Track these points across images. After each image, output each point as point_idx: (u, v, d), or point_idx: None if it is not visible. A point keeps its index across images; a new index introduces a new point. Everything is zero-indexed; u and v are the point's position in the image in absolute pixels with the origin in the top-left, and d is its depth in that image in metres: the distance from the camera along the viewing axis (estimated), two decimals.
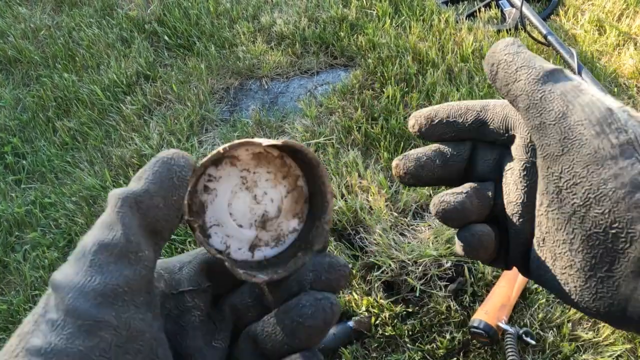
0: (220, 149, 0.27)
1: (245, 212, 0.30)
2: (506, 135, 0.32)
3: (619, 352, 1.11)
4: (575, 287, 0.27)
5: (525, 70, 0.29)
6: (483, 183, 0.34)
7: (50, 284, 0.22)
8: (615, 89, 1.67)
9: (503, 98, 0.31)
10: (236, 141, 0.28)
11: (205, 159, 0.28)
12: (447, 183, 0.35)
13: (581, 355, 1.12)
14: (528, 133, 0.31)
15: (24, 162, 1.86)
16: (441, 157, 0.34)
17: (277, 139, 0.30)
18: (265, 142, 0.28)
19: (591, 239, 0.25)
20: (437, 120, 0.34)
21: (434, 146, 0.35)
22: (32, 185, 1.80)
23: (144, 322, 0.22)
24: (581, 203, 0.26)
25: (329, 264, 0.28)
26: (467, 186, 0.33)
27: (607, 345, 1.13)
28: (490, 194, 0.33)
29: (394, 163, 0.35)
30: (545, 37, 1.76)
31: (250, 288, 0.29)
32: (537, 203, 0.29)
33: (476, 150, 0.34)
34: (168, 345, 0.24)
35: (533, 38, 1.78)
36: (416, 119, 0.35)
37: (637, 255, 0.24)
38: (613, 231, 0.24)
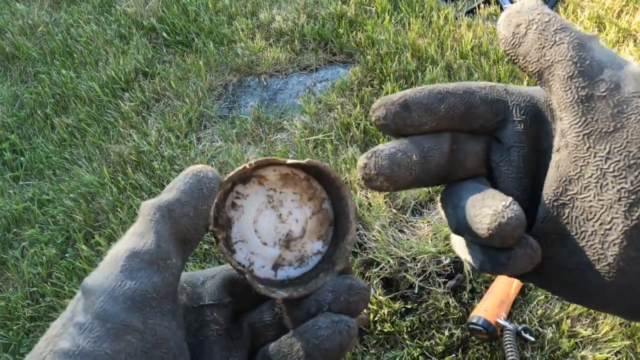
0: (247, 164, 0.28)
1: (270, 230, 0.30)
2: (495, 120, 0.28)
3: (617, 349, 1.11)
4: (607, 290, 0.24)
5: (567, 32, 0.25)
6: (476, 181, 0.29)
7: (82, 289, 0.22)
8: None
9: (522, 69, 0.26)
10: (261, 159, 0.29)
11: (231, 173, 0.28)
12: (426, 183, 0.29)
13: (580, 352, 1.12)
14: (546, 109, 0.27)
15: (22, 158, 1.86)
16: (419, 151, 0.28)
17: (303, 159, 0.29)
18: (289, 161, 0.28)
19: (636, 229, 0.22)
20: (414, 108, 0.28)
21: (406, 138, 0.29)
22: (30, 182, 1.79)
23: (168, 329, 0.22)
24: (631, 189, 0.22)
25: (348, 286, 0.27)
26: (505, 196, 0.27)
27: (606, 341, 1.13)
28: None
29: (361, 162, 0.27)
30: None
31: (270, 307, 0.29)
32: (555, 192, 0.25)
33: (458, 142, 0.29)
34: (189, 355, 0.24)
35: None
36: (386, 108, 0.28)
37: None
38: None
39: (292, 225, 0.31)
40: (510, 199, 0.24)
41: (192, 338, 0.27)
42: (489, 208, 0.24)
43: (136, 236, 0.23)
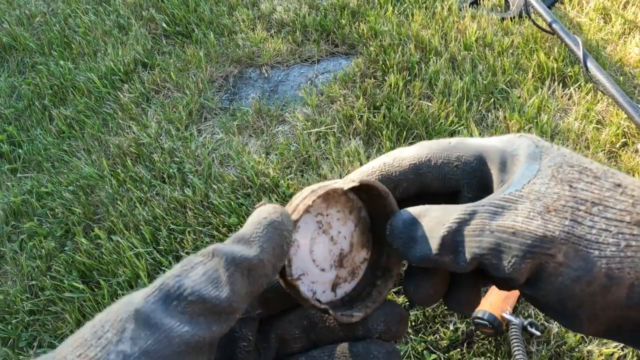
0: (309, 201, 0.27)
1: (326, 255, 0.30)
2: (448, 192, 0.30)
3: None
4: None
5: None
6: None
7: (132, 311, 0.21)
8: (621, 78, 1.64)
9: None
10: (320, 192, 0.28)
11: (295, 213, 0.28)
12: None
13: (586, 347, 1.11)
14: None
15: (20, 150, 1.83)
16: None
17: (349, 179, 0.31)
18: (346, 185, 0.28)
19: (604, 326, 0.25)
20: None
21: None
22: (28, 174, 1.77)
23: None
24: (565, 312, 0.25)
25: (400, 316, 0.29)
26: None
27: None
28: None
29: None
30: (550, 25, 1.73)
31: (299, 318, 0.29)
32: None
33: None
34: None
35: (537, 26, 1.75)
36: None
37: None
38: (612, 315, 0.24)
39: (342, 243, 0.31)
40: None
41: (221, 355, 0.27)
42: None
43: (209, 281, 0.22)
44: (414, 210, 0.28)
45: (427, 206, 0.28)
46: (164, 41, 2.11)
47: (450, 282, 0.29)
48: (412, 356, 1.14)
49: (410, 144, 1.56)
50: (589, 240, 0.23)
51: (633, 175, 1.40)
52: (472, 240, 0.24)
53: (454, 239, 0.25)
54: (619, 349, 1.10)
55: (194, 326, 0.21)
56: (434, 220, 0.26)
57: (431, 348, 1.15)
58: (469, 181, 0.28)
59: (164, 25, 2.14)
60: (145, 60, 2.02)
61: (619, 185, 0.24)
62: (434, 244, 0.25)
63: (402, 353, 1.15)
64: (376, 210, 0.31)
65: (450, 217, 0.25)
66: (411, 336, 1.17)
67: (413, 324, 1.18)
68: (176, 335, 0.20)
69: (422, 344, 1.15)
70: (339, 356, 0.27)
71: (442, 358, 1.13)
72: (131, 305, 0.21)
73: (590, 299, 0.23)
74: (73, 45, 2.17)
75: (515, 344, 1.06)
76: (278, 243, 0.24)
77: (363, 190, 0.30)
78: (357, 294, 0.31)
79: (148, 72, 1.98)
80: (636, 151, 1.46)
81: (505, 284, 0.26)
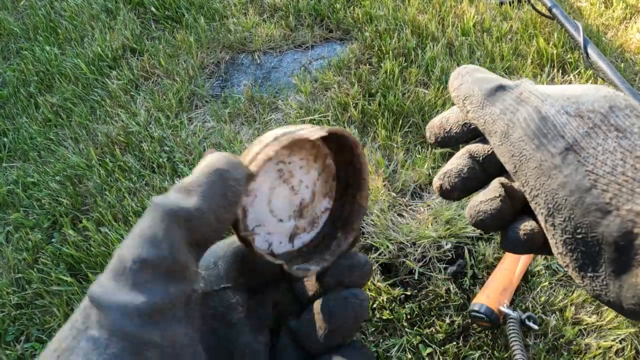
0: (271, 152, 0.25)
1: (285, 205, 0.29)
2: None
3: (622, 336, 1.09)
4: (581, 283, 0.28)
5: (468, 100, 0.30)
6: None
7: (90, 299, 0.21)
8: (622, 65, 1.61)
9: None
10: (284, 141, 0.25)
11: (254, 163, 0.25)
12: (487, 182, 0.34)
13: (584, 340, 1.09)
14: None
15: (5, 139, 1.78)
16: (478, 163, 0.32)
17: (318, 126, 0.28)
18: (313, 135, 0.26)
19: (567, 243, 0.25)
20: (450, 128, 0.34)
21: (464, 153, 0.33)
22: (13, 164, 1.72)
23: (186, 336, 0.22)
24: (546, 212, 0.26)
25: (349, 266, 0.28)
26: (497, 186, 0.31)
27: (610, 329, 1.10)
28: None
29: (436, 183, 0.33)
30: (549, 9, 1.68)
31: (289, 285, 0.29)
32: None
33: None
34: (205, 357, 0.24)
35: (537, 11, 1.71)
36: (431, 131, 0.35)
37: (610, 256, 0.23)
38: (579, 236, 0.25)
39: (303, 193, 0.29)
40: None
41: (221, 322, 0.27)
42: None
43: (147, 242, 0.21)
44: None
45: None
46: (153, 26, 2.05)
47: (512, 218, 0.31)
48: (407, 350, 1.12)
49: (406, 132, 1.53)
50: (588, 154, 0.24)
51: None
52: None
53: None
54: (617, 342, 1.08)
55: (149, 294, 0.20)
56: None
57: (427, 341, 1.13)
58: None
59: (153, 9, 2.07)
60: (134, 45, 1.96)
61: None
62: None
63: (397, 346, 1.12)
64: (343, 159, 0.30)
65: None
66: (406, 329, 1.14)
67: (408, 317, 1.16)
68: (133, 309, 0.20)
69: (418, 337, 1.13)
70: (316, 312, 0.28)
71: (437, 351, 1.11)
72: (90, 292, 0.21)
73: (572, 211, 0.24)
74: (59, 30, 2.10)
75: (513, 338, 1.04)
76: (222, 192, 0.23)
77: (331, 138, 0.28)
78: (315, 245, 0.30)
79: (137, 58, 1.93)
80: None
81: None
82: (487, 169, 0.32)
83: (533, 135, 0.26)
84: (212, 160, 0.24)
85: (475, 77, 0.31)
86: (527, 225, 0.29)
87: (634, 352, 1.07)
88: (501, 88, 0.29)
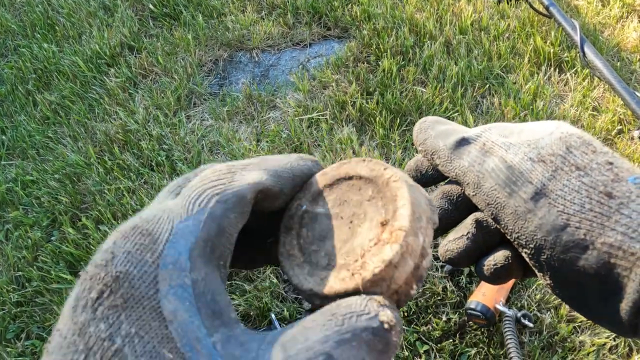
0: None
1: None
2: None
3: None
4: (578, 312, 0.29)
5: (436, 154, 0.32)
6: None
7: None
8: (618, 64, 1.61)
9: None
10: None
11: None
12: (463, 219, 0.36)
13: (578, 337, 1.10)
14: None
15: (4, 137, 1.78)
16: (451, 203, 0.34)
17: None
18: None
19: (554, 278, 0.27)
20: (426, 170, 0.35)
21: (438, 194, 0.34)
22: (12, 161, 1.72)
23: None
24: (529, 252, 0.28)
25: None
26: (468, 224, 0.32)
27: None
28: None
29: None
30: (547, 8, 1.69)
31: None
32: None
33: None
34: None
35: (534, 9, 1.71)
36: (409, 173, 0.36)
37: (595, 286, 0.25)
38: (564, 271, 0.26)
39: None
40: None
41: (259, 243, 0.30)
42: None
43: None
44: None
45: None
46: (151, 23, 2.05)
47: (485, 251, 0.32)
48: (404, 347, 1.13)
49: (404, 131, 1.53)
50: (557, 195, 0.26)
51: None
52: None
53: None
54: (610, 339, 1.10)
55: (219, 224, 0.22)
56: None
57: (423, 339, 1.14)
58: None
59: (151, 6, 2.07)
60: (132, 43, 1.96)
61: (610, 163, 0.26)
62: None
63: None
64: None
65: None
66: (403, 327, 1.16)
67: (405, 314, 1.17)
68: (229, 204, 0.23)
69: (415, 334, 1.14)
70: None
71: (434, 349, 1.12)
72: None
73: (552, 250, 0.26)
74: (57, 28, 2.10)
75: (508, 335, 1.05)
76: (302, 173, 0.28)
77: None
78: None
79: (135, 56, 1.93)
80: (632, 138, 1.44)
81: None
82: (460, 207, 0.34)
83: (504, 184, 0.28)
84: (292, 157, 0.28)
85: (438, 130, 0.33)
86: (491, 261, 0.31)
87: (627, 349, 1.09)
88: (464, 141, 0.31)
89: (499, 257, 0.31)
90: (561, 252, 0.26)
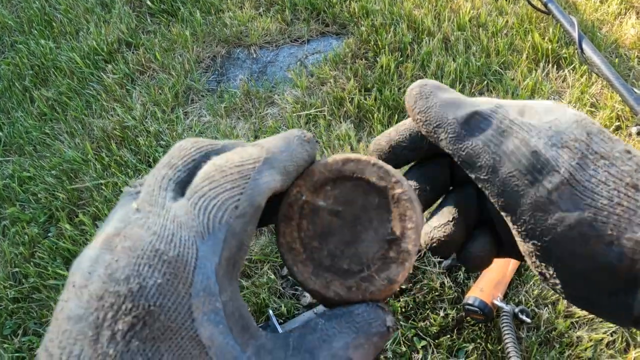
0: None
1: None
2: None
3: (613, 329, 1.10)
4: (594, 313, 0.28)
5: (442, 128, 0.28)
6: (465, 190, 0.32)
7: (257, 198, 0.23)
8: (616, 60, 1.61)
9: None
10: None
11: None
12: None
13: (576, 332, 1.11)
14: None
15: (0, 134, 1.78)
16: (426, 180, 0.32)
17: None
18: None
19: (572, 277, 0.25)
20: (397, 145, 0.32)
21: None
22: (9, 158, 1.72)
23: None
24: (541, 246, 0.26)
25: None
26: (451, 209, 0.31)
27: (602, 321, 1.12)
28: (474, 203, 0.31)
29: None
30: (545, 4, 1.69)
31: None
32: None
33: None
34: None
35: (533, 6, 1.71)
36: (375, 145, 0.33)
37: (615, 284, 0.24)
38: (580, 269, 0.24)
39: None
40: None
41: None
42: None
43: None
44: None
45: None
46: (149, 19, 2.04)
47: (466, 237, 0.31)
48: (402, 342, 1.13)
49: None
50: (585, 187, 0.24)
51: None
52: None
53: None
54: (608, 335, 1.10)
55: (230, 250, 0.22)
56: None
57: (421, 334, 1.14)
58: None
59: (149, 2, 2.06)
60: (130, 39, 1.96)
61: (629, 152, 0.25)
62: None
63: (392, 339, 1.14)
64: None
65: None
66: (401, 322, 1.16)
67: (403, 310, 1.17)
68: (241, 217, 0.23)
69: (412, 330, 1.14)
70: None
71: (432, 344, 1.12)
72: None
73: (570, 244, 0.24)
74: (54, 24, 2.09)
75: (506, 330, 1.05)
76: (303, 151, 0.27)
77: None
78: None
79: (132, 52, 1.92)
80: (630, 135, 1.44)
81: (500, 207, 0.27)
82: (435, 187, 0.32)
83: (526, 171, 0.25)
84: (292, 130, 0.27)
85: (443, 99, 0.28)
86: (477, 248, 0.30)
87: (624, 344, 1.09)
88: (478, 115, 0.27)
89: (484, 243, 0.30)
90: (580, 247, 0.24)
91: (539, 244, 0.25)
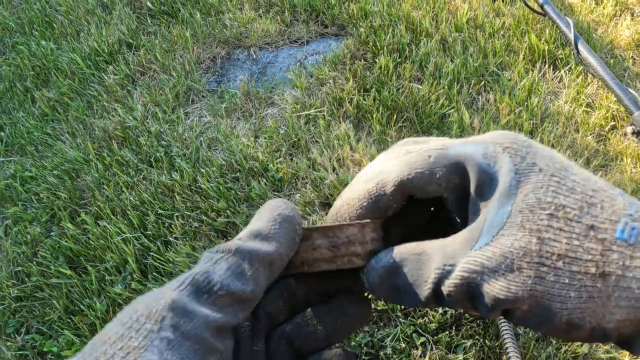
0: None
1: None
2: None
3: None
4: None
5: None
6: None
7: (169, 302, 0.24)
8: (612, 61, 1.64)
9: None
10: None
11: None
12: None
13: None
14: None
15: (2, 134, 1.79)
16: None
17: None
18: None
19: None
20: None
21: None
22: (11, 158, 1.73)
23: (231, 348, 0.26)
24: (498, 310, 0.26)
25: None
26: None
27: None
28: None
29: None
30: (541, 6, 1.71)
31: (281, 293, 0.31)
32: None
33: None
34: None
35: (529, 7, 1.73)
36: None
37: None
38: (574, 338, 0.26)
39: None
40: None
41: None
42: None
43: (235, 275, 0.25)
44: (388, 257, 0.28)
45: (403, 250, 0.28)
46: (149, 21, 2.06)
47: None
48: (401, 339, 1.15)
49: (401, 127, 1.55)
50: (551, 294, 0.23)
51: (621, 159, 1.41)
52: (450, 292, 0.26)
53: (437, 293, 0.26)
54: None
55: (225, 314, 0.24)
56: (414, 268, 0.27)
57: (420, 331, 1.16)
58: (451, 195, 0.29)
59: (149, 4, 2.08)
60: (130, 40, 1.97)
61: (591, 228, 0.23)
62: (421, 295, 0.27)
63: (391, 336, 1.16)
64: None
65: (430, 270, 0.26)
66: (400, 319, 1.17)
67: (402, 308, 1.19)
68: (212, 320, 0.24)
69: (411, 327, 1.16)
70: (311, 316, 0.30)
71: (430, 341, 1.14)
72: (163, 299, 0.23)
73: (556, 335, 0.25)
74: (55, 25, 2.10)
75: (504, 327, 1.07)
76: (292, 237, 0.27)
77: None
78: None
79: (133, 53, 1.94)
80: (625, 134, 1.46)
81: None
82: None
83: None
84: (278, 207, 0.28)
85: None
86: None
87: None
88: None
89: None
90: (565, 334, 0.24)
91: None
